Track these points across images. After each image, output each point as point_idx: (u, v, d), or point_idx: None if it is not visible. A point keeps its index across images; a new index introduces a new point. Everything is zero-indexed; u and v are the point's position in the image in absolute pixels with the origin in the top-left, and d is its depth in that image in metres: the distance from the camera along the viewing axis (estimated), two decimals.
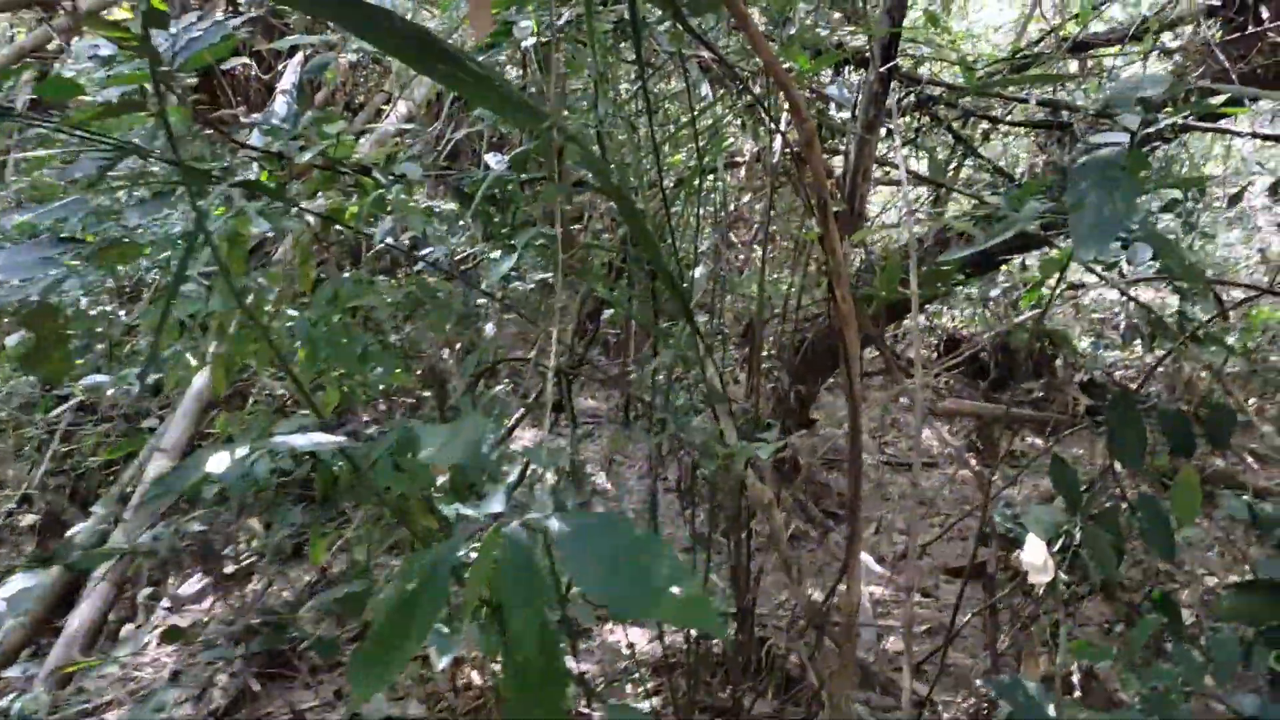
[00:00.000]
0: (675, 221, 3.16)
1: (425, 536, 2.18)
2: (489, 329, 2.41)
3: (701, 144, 3.33)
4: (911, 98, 4.07)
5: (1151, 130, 2.72)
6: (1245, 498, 2.77)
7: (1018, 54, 4.70)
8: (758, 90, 3.20)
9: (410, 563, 1.10)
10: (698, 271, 3.48)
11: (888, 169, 4.15)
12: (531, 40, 2.78)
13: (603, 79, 2.95)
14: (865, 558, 3.59)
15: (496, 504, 1.15)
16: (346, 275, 2.48)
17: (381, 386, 2.84)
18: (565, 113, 2.93)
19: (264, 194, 2.04)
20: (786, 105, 2.08)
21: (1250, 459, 4.21)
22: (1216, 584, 3.29)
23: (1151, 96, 1.34)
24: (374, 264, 2.60)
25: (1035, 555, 2.71)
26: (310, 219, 2.35)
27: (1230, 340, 4.40)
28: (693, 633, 3.11)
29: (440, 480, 2.12)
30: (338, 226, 2.48)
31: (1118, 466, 2.97)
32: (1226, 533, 3.55)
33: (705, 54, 3.21)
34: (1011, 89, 4.58)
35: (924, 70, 4.70)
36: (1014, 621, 2.86)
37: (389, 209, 2.32)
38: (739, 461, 2.16)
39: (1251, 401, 5.37)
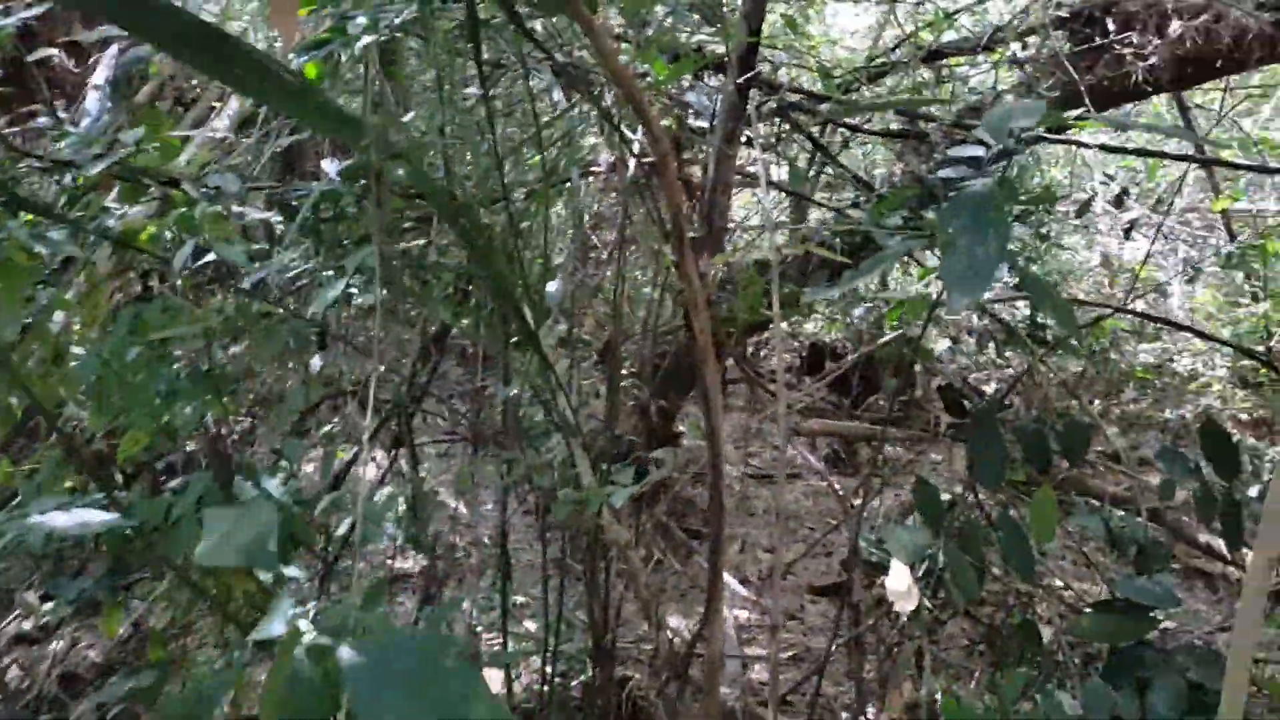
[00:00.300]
0: (527, 235, 2.97)
1: (247, 600, 1.94)
2: (315, 361, 2.18)
3: (554, 152, 3.15)
4: (771, 104, 3.99)
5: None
6: (1100, 515, 2.78)
7: (873, 61, 4.70)
8: (611, 98, 3.05)
9: (173, 701, 0.90)
10: (553, 286, 3.31)
11: (748, 177, 4.06)
12: (366, 39, 2.55)
13: (449, 82, 2.74)
14: (729, 580, 3.49)
15: (278, 624, 0.94)
16: (151, 301, 2.20)
17: (212, 415, 2.57)
18: (406, 119, 2.71)
19: (36, 212, 1.77)
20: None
21: (1100, 465, 4.30)
22: (1073, 597, 3.32)
23: (1025, 128, 1.23)
24: (189, 284, 2.32)
25: (899, 582, 2.64)
26: (106, 239, 2.07)
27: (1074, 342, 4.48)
28: (548, 670, 2.94)
29: None
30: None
31: (978, 484, 2.96)
32: (1079, 543, 3.60)
33: (559, 56, 3.03)
34: (870, 97, 4.57)
35: (783, 76, 4.63)
36: (879, 648, 2.79)
37: (198, 227, 2.06)
38: (592, 507, 1.99)
39: (1096, 403, 5.55)
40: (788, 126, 4.26)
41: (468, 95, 3.10)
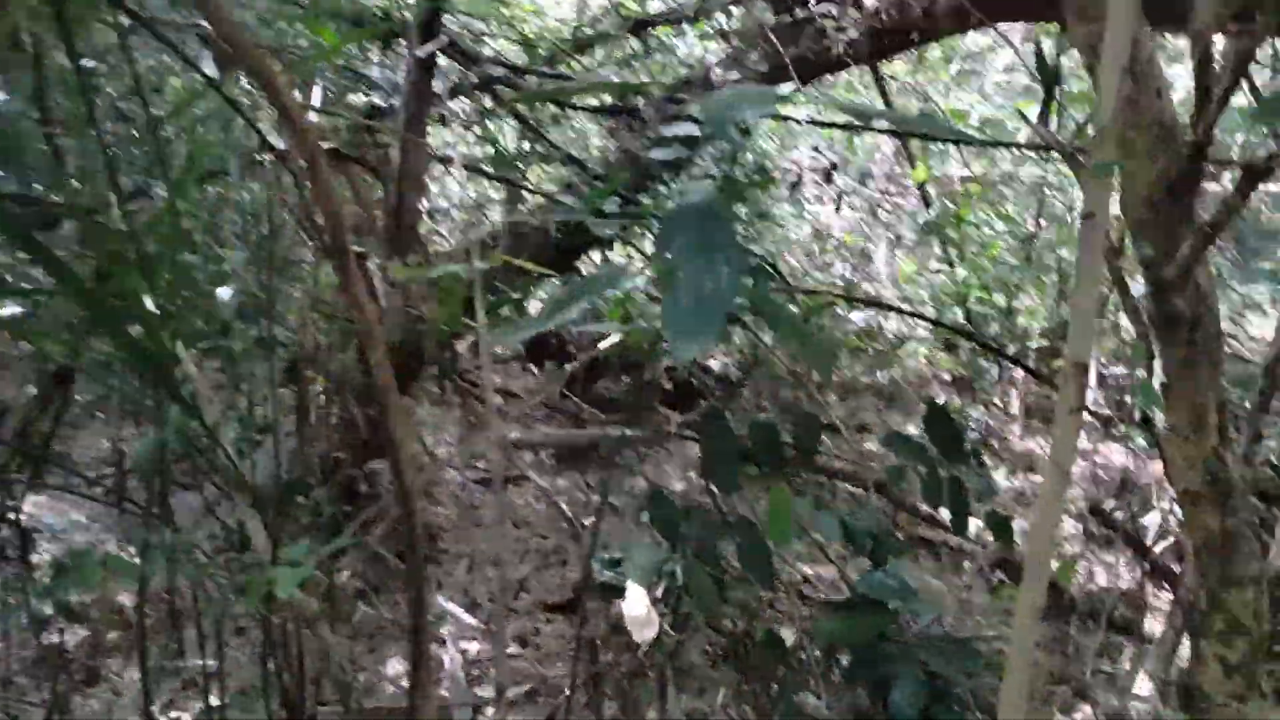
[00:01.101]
0: (180, 238, 2.47)
1: None
2: None
3: (206, 136, 2.65)
4: (472, 79, 3.63)
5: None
6: (834, 512, 2.68)
7: (580, 31, 4.44)
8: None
9: None
10: (225, 292, 2.83)
11: (447, 161, 3.67)
12: None
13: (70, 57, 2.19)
14: (454, 609, 3.15)
15: None
16: None
17: None
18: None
19: None
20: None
21: (825, 438, 4.31)
22: (812, 589, 3.25)
23: (753, 117, 0.97)
24: None
25: (637, 607, 2.42)
26: None
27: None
28: None
29: None
30: None
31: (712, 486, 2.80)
32: (806, 528, 3.53)
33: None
34: (579, 70, 4.32)
35: (487, 48, 4.28)
36: (620, 681, 2.56)
37: None
38: (255, 597, 1.59)
39: (815, 374, 5.64)
40: (492, 102, 3.92)
41: (96, 70, 2.54)
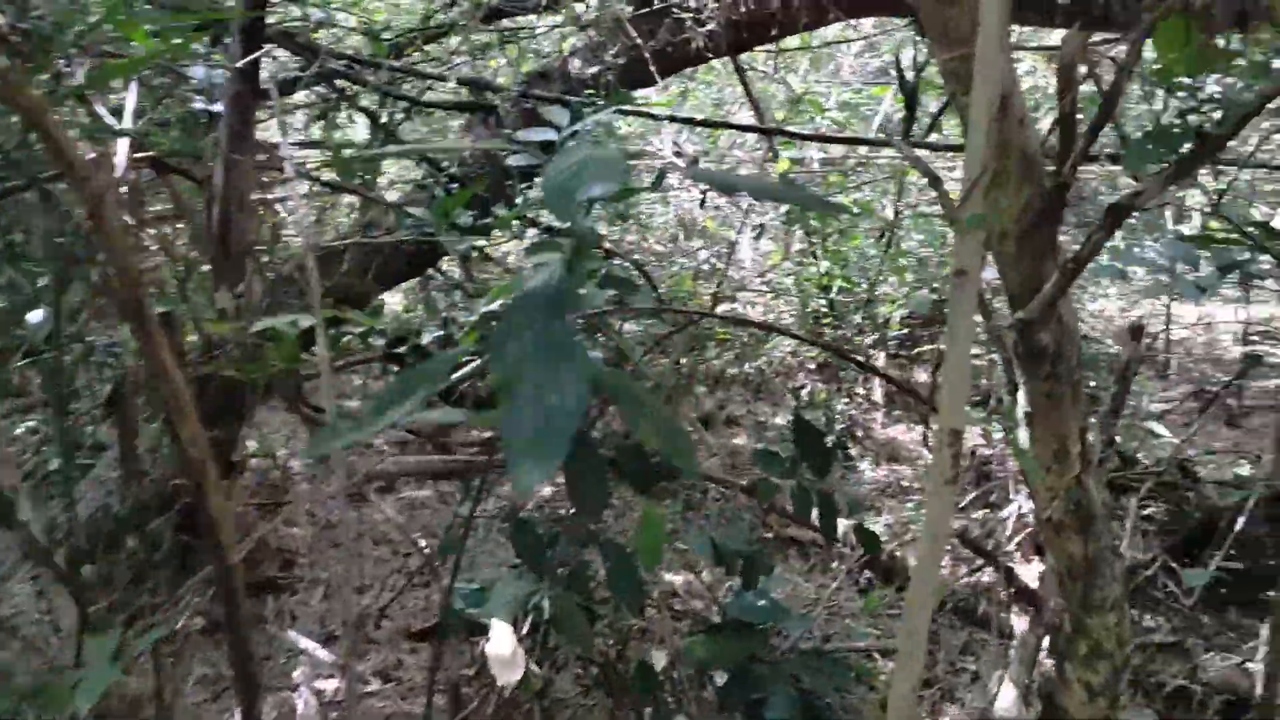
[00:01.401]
0: None
1: None
2: None
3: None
4: (312, 72, 3.39)
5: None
6: (704, 532, 2.62)
7: (429, 20, 4.23)
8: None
9: None
10: (35, 315, 2.60)
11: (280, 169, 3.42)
12: None
13: None
14: (309, 645, 2.96)
15: None
16: None
17: None
18: None
19: None
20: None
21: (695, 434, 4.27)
22: (683, 604, 3.19)
23: (602, 195, 0.86)
24: None
25: (501, 646, 2.30)
26: None
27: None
28: None
29: None
30: None
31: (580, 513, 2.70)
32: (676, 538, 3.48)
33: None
34: (431, 64, 4.12)
35: (327, 36, 4.03)
36: (486, 717, 2.45)
37: None
38: (53, 707, 1.40)
39: (683, 362, 5.60)
40: (337, 98, 3.69)
41: None
